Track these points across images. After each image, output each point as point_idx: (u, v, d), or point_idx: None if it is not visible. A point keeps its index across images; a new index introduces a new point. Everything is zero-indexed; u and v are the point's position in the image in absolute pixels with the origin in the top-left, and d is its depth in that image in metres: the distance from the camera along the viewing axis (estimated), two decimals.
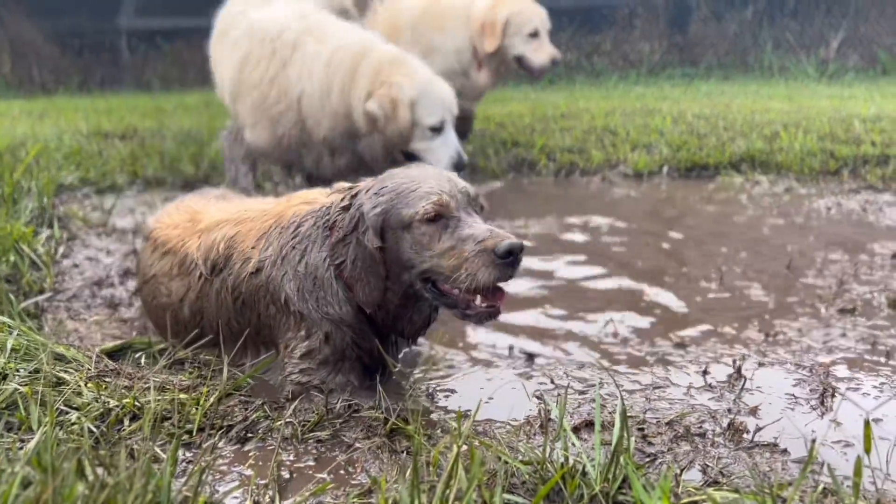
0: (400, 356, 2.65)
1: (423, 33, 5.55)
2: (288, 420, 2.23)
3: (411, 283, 2.32)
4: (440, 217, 2.22)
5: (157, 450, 1.99)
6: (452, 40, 5.56)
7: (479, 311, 2.27)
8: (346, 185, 2.50)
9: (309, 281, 2.40)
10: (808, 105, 8.93)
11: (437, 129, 4.07)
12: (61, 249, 3.92)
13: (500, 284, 2.24)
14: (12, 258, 3.41)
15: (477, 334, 3.01)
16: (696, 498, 1.78)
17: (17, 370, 2.31)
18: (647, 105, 9.29)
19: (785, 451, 2.09)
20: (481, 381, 2.62)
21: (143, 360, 2.62)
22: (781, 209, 4.99)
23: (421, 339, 2.82)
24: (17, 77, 13.25)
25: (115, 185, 5.51)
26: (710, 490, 1.80)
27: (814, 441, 1.89)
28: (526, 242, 2.22)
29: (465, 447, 1.88)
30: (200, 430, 2.19)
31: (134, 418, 2.19)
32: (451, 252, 2.20)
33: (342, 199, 2.38)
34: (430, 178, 2.30)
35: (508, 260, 2.14)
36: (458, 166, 4.02)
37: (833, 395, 2.41)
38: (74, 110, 9.76)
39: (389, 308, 2.39)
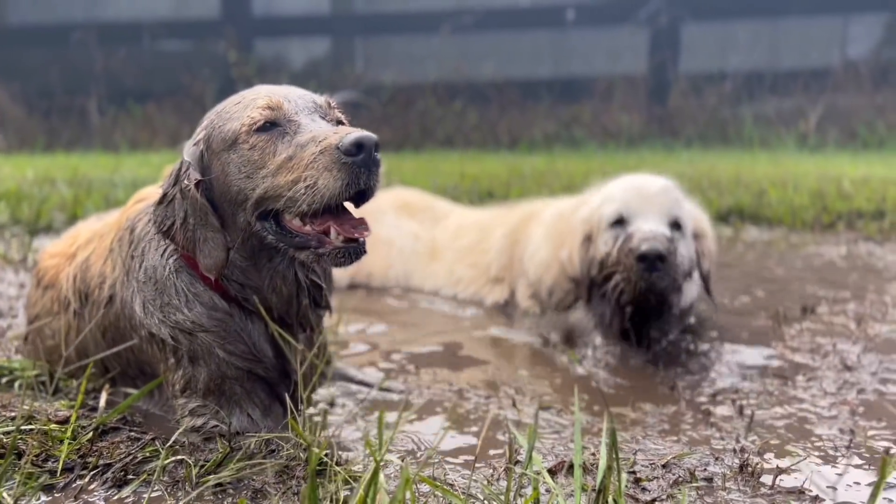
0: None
1: None
2: (180, 458, 1.73)
3: (248, 224, 1.75)
4: (274, 124, 1.71)
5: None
6: None
7: (334, 248, 1.69)
8: None
9: (150, 288, 1.86)
10: (793, 168, 8.69)
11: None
12: None
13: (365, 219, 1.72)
14: None
15: (436, 370, 2.53)
16: None
17: None
18: (627, 167, 9.01)
19: (817, 498, 1.63)
20: (432, 417, 2.14)
21: (17, 388, 2.13)
22: (779, 256, 4.59)
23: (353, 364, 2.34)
24: None
25: (51, 226, 4.99)
26: None
27: None
28: None
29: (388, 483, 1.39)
30: (69, 469, 1.70)
31: None
32: (288, 164, 1.66)
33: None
34: (262, 89, 1.82)
35: (359, 157, 1.59)
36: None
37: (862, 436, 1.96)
38: (30, 167, 9.31)
39: (239, 276, 1.81)
